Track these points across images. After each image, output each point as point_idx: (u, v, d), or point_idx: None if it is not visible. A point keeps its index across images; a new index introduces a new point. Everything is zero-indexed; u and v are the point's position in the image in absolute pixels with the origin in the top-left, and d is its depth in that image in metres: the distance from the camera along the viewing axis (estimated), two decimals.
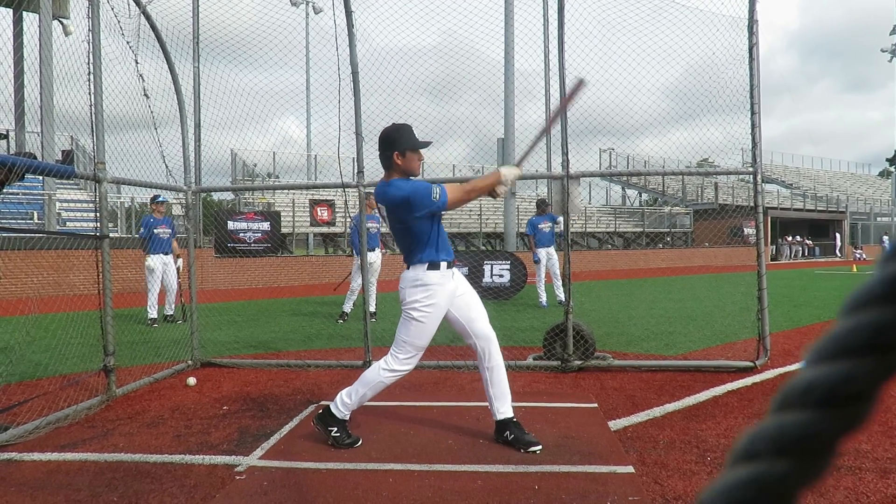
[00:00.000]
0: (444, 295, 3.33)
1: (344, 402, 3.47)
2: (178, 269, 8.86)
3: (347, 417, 3.50)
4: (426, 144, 3.35)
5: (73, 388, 4.44)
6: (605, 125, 6.21)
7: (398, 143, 3.27)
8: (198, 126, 5.93)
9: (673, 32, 5.48)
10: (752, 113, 5.13)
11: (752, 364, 5.20)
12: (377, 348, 5.69)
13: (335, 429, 3.47)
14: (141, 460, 3.32)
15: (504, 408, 3.44)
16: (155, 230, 8.66)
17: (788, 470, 0.37)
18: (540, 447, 3.29)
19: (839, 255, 35.63)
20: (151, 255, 8.59)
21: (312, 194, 20.43)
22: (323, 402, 4.39)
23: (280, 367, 5.71)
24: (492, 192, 3.25)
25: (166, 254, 8.79)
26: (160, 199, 8.74)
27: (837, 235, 37.11)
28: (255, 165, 21.93)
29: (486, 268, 11.96)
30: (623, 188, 34.21)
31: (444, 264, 3.33)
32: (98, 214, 4.62)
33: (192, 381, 5.09)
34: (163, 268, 8.73)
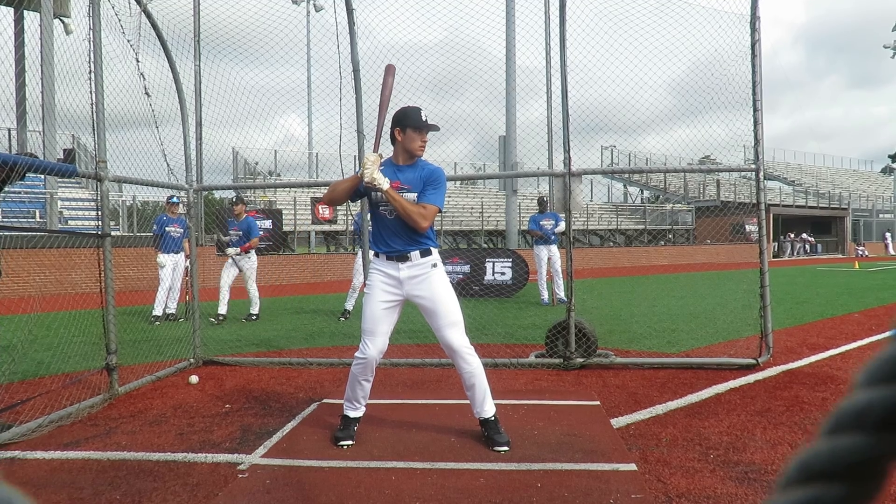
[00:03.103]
0: (378, 282, 3.41)
1: (345, 401, 3.59)
2: (186, 268, 8.96)
3: (347, 414, 3.56)
4: (426, 126, 3.36)
5: (76, 386, 4.44)
6: (607, 122, 6.19)
7: (400, 120, 3.38)
8: (199, 124, 5.92)
9: (675, 29, 5.46)
10: (755, 110, 5.12)
11: (754, 361, 5.19)
12: None
13: (340, 426, 3.56)
14: (143, 458, 3.32)
15: (477, 410, 3.44)
16: (167, 228, 8.81)
17: (842, 494, 0.37)
18: (506, 448, 3.29)
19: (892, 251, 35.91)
20: (162, 253, 8.76)
21: (314, 192, 20.41)
22: (325, 401, 4.40)
23: (282, 365, 5.71)
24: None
25: (177, 252, 8.94)
26: (174, 199, 8.88)
27: (888, 235, 37.35)
28: (257, 163, 21.96)
29: (488, 265, 11.96)
30: (625, 185, 34.16)
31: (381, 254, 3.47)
32: (100, 213, 4.62)
33: (194, 379, 5.10)
34: (172, 265, 8.89)
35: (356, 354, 3.44)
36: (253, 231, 9.02)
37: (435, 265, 3.42)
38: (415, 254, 3.38)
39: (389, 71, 3.53)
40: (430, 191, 3.35)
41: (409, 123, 3.35)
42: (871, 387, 0.37)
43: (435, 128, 3.41)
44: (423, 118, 3.35)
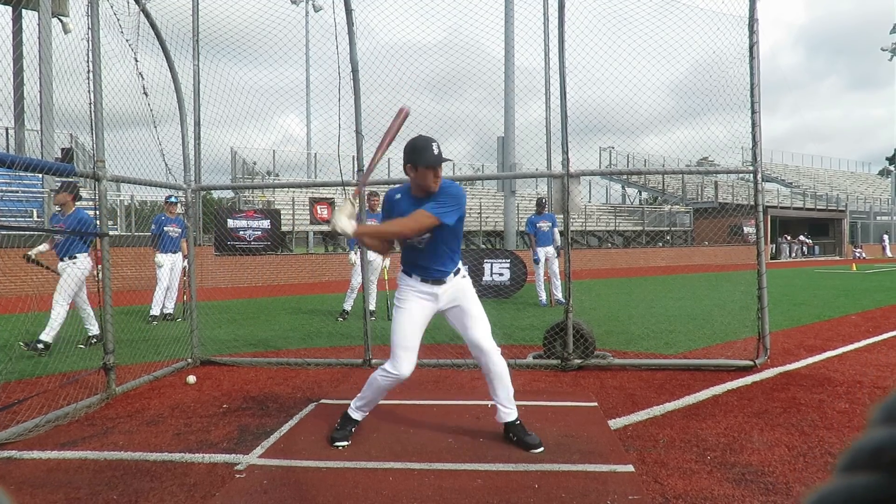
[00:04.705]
0: (413, 296, 3.41)
1: (356, 405, 3.55)
2: (184, 268, 8.97)
3: (352, 416, 3.54)
4: (436, 160, 3.23)
5: (73, 385, 4.43)
6: (605, 123, 6.20)
7: (411, 157, 3.26)
8: (197, 124, 5.92)
9: (674, 30, 5.47)
10: (753, 112, 5.12)
11: (751, 363, 5.19)
12: (377, 346, 5.69)
13: (338, 425, 3.54)
14: (141, 458, 3.32)
15: (503, 413, 3.46)
16: (165, 228, 8.84)
17: None
18: (541, 449, 3.31)
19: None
20: (160, 253, 8.78)
21: (312, 192, 20.42)
22: (323, 401, 4.39)
23: (280, 365, 5.70)
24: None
25: (174, 252, 8.96)
26: (173, 199, 8.91)
27: (885, 237, 37.49)
28: (255, 163, 21.93)
29: (486, 266, 11.96)
30: (623, 187, 34.22)
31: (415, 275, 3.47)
32: (98, 212, 4.62)
33: (191, 379, 5.09)
34: (170, 265, 8.91)
35: (387, 368, 3.35)
36: (86, 227, 6.21)
37: (465, 276, 3.54)
38: (449, 276, 3.44)
39: (401, 114, 3.43)
40: (431, 202, 3.27)
41: (420, 162, 3.22)
42: (886, 425, 0.37)
43: (447, 160, 3.36)
44: (436, 153, 3.22)
